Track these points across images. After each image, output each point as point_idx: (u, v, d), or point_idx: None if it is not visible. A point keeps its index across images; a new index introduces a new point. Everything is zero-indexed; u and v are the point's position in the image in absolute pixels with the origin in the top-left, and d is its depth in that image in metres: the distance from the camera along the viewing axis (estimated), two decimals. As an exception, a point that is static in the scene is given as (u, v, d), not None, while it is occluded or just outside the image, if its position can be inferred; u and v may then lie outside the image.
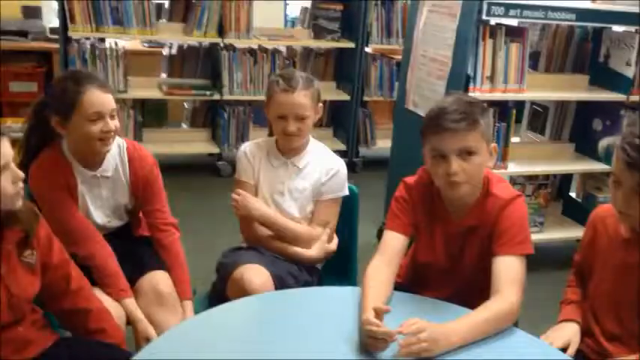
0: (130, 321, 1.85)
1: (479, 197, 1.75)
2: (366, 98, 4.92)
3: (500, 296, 1.59)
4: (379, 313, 1.46)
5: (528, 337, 1.59)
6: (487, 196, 1.75)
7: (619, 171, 1.54)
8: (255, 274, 1.89)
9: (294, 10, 5.77)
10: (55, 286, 1.63)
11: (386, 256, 1.74)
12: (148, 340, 1.81)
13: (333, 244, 2.15)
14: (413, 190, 1.81)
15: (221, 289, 1.97)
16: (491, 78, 3.05)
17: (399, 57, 4.11)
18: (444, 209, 1.78)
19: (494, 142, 1.78)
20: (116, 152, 1.98)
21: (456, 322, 1.49)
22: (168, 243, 2.04)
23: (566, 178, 3.94)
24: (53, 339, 1.62)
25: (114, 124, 1.86)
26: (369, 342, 1.43)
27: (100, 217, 2.00)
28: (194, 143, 4.75)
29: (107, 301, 1.79)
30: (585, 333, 1.73)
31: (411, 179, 1.84)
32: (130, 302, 1.87)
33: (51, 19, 5.16)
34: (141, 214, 2.11)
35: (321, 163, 2.14)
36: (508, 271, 1.64)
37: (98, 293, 1.80)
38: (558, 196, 3.90)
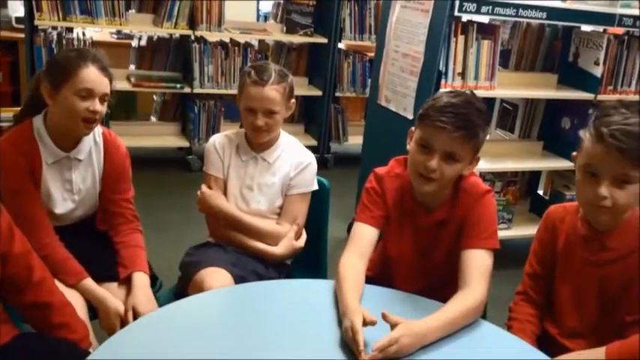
0: (93, 303, 1.79)
1: (450, 192, 1.75)
2: (338, 94, 4.91)
3: (469, 290, 1.59)
4: (366, 322, 1.42)
5: (495, 329, 1.59)
6: (458, 190, 1.75)
7: (600, 160, 1.49)
8: (215, 278, 1.84)
9: (266, 6, 5.73)
10: (17, 277, 1.58)
11: (357, 248, 1.72)
12: (120, 316, 1.77)
13: (301, 241, 2.12)
14: (383, 180, 1.80)
15: (183, 290, 1.93)
16: (463, 74, 3.06)
17: (372, 54, 4.11)
18: (414, 202, 1.77)
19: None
20: (91, 136, 1.94)
21: (428, 320, 1.47)
22: (133, 232, 2.00)
23: (534, 176, 3.99)
24: (12, 334, 1.56)
25: (101, 107, 1.83)
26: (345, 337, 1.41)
27: (64, 204, 1.94)
28: (163, 137, 4.68)
29: (68, 295, 1.73)
30: (541, 339, 1.71)
31: (381, 170, 1.83)
32: (89, 282, 1.82)
33: (17, 9, 5.02)
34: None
35: (291, 157, 2.11)
36: (476, 264, 1.64)
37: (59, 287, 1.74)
38: (527, 193, 3.95)
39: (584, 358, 1.37)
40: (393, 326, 1.41)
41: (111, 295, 1.82)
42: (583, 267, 1.66)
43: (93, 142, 1.96)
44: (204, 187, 2.07)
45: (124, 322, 1.77)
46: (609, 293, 1.63)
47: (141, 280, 1.89)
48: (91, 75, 1.80)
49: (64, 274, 1.81)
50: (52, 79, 1.83)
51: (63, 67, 1.81)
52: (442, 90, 2.85)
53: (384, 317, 1.43)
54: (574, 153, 1.61)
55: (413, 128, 1.73)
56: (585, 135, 1.54)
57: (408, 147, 1.73)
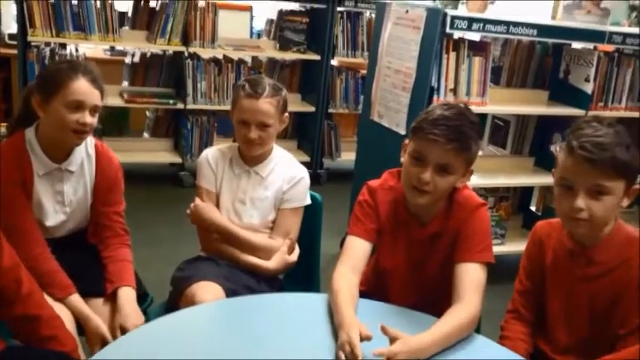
0: (78, 320, 1.77)
1: (443, 205, 1.75)
2: (331, 110, 4.92)
3: (463, 304, 1.58)
4: (362, 337, 1.41)
5: (490, 343, 1.59)
6: (452, 203, 1.75)
7: (573, 173, 1.52)
8: (207, 292, 1.82)
9: (260, 23, 5.76)
10: (5, 290, 1.56)
11: (350, 262, 1.71)
12: (102, 339, 1.74)
13: (294, 256, 2.11)
14: (377, 193, 1.80)
15: (174, 305, 1.91)
16: (455, 90, 3.08)
17: (365, 71, 4.13)
18: (408, 215, 1.77)
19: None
20: (83, 148, 1.94)
21: (425, 336, 1.46)
22: (121, 246, 1.98)
23: (526, 192, 4.00)
24: (1, 347, 1.54)
25: (91, 119, 1.83)
26: (341, 357, 1.39)
27: (55, 216, 1.93)
28: (156, 153, 4.67)
29: (57, 308, 1.71)
30: (533, 357, 1.71)
31: (375, 182, 1.83)
32: (76, 298, 1.80)
33: (10, 25, 5.03)
34: None
35: (284, 172, 2.10)
36: (470, 278, 1.63)
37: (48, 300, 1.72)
38: (519, 209, 3.96)
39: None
40: (392, 340, 1.40)
41: (94, 315, 1.79)
42: (571, 282, 1.66)
43: (85, 153, 1.95)
44: (197, 200, 2.06)
45: (105, 343, 1.73)
46: (599, 307, 1.63)
47: (126, 295, 1.86)
48: (82, 87, 1.80)
49: (53, 287, 1.79)
50: (42, 91, 1.83)
51: (53, 78, 1.82)
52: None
53: (384, 330, 1.42)
54: (553, 170, 1.64)
55: (407, 141, 1.74)
56: (559, 150, 1.58)
57: (402, 160, 1.73)
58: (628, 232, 1.62)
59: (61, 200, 1.93)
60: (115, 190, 2.00)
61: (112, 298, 1.87)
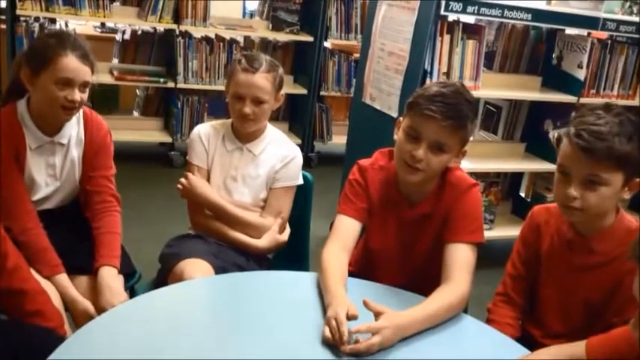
0: (64, 301, 1.75)
1: (435, 185, 1.74)
2: (323, 93, 4.90)
3: (453, 283, 1.58)
4: (348, 315, 1.40)
5: (477, 324, 1.59)
6: (444, 183, 1.74)
7: (570, 161, 1.50)
8: (196, 269, 1.81)
9: (252, 4, 5.71)
10: (-10, 264, 1.54)
11: (340, 241, 1.71)
12: (89, 317, 1.71)
13: (285, 235, 2.10)
14: (367, 172, 1.78)
15: (162, 282, 1.89)
16: (448, 74, 3.06)
17: (357, 55, 4.10)
18: (399, 195, 1.76)
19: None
20: (74, 120, 1.91)
21: (411, 313, 1.46)
22: (109, 213, 1.95)
23: (516, 178, 4.01)
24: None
25: (80, 95, 1.80)
26: (326, 332, 1.39)
27: (46, 188, 1.91)
28: (146, 132, 4.63)
29: (43, 283, 1.70)
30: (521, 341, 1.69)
31: (365, 162, 1.81)
32: (64, 278, 1.78)
33: (-2, -2, 4.95)
34: None
35: (277, 150, 2.09)
36: (460, 258, 1.63)
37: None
38: (509, 195, 3.97)
39: (564, 350, 1.37)
40: (376, 315, 1.40)
41: (80, 296, 1.77)
42: (569, 270, 1.65)
43: (76, 123, 1.93)
44: (190, 175, 2.03)
45: None
46: (596, 297, 1.62)
47: (107, 274, 1.81)
48: (71, 64, 1.77)
49: (41, 263, 1.77)
50: (31, 65, 1.80)
51: (42, 53, 1.78)
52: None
53: (366, 305, 1.42)
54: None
55: (401, 118, 1.72)
56: (555, 137, 1.56)
57: (395, 137, 1.71)
58: (630, 223, 1.60)
59: (52, 174, 1.91)
60: (104, 154, 1.97)
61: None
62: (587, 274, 1.62)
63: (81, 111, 1.94)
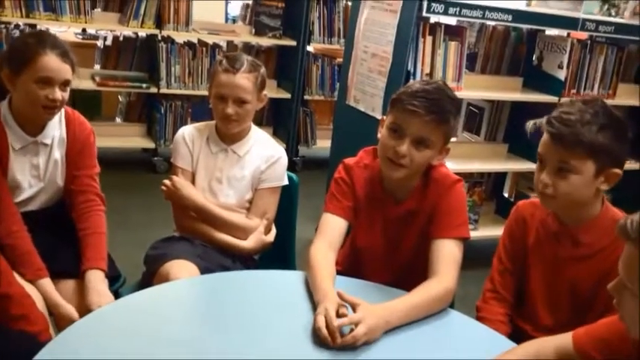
0: (48, 305, 1.73)
1: (419, 182, 1.75)
2: (307, 97, 4.90)
3: (438, 278, 1.59)
4: (337, 313, 1.40)
5: (463, 318, 1.59)
6: (428, 180, 1.75)
7: (544, 149, 1.54)
8: (182, 270, 1.80)
9: (235, 9, 5.71)
10: (-27, 269, 1.52)
11: (327, 238, 1.70)
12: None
13: (270, 236, 2.09)
14: (352, 170, 1.79)
15: (147, 284, 1.86)
16: (430, 75, 3.08)
17: (341, 59, 4.11)
18: (384, 193, 1.76)
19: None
20: (56, 119, 1.90)
21: (394, 303, 1.47)
22: (94, 213, 1.94)
23: (499, 178, 4.04)
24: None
25: (61, 94, 1.79)
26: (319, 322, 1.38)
27: (29, 190, 1.89)
28: (128, 138, 4.60)
29: (27, 288, 1.68)
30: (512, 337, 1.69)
31: (350, 160, 1.81)
32: (47, 283, 1.76)
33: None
34: None
35: (262, 151, 2.08)
36: (446, 253, 1.64)
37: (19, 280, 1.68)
38: (492, 195, 4.00)
39: (551, 342, 1.38)
40: (353, 307, 1.41)
41: (63, 301, 1.75)
42: (555, 263, 1.66)
43: (57, 121, 1.92)
44: (174, 177, 2.02)
45: None
46: (582, 289, 1.63)
47: (94, 277, 1.80)
48: (51, 63, 1.76)
49: (25, 267, 1.75)
50: (11, 65, 1.79)
51: (22, 53, 1.77)
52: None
53: (340, 296, 1.42)
54: None
55: (384, 117, 1.73)
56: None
57: (379, 135, 1.72)
58: (615, 215, 1.61)
59: (36, 174, 1.90)
60: (87, 153, 1.96)
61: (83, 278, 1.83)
62: (574, 265, 1.63)
63: (63, 111, 1.93)
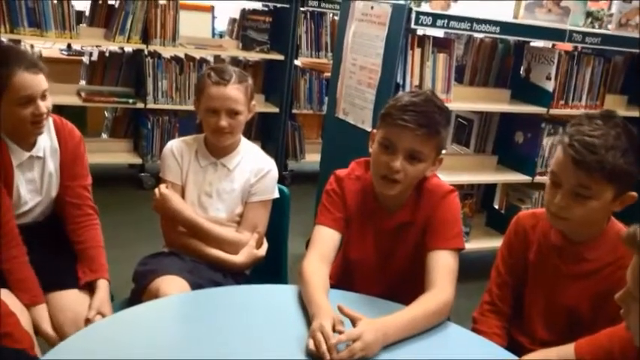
0: (37, 333, 1.71)
1: (412, 194, 1.73)
2: (295, 111, 4.89)
3: (436, 290, 1.56)
4: (333, 328, 1.37)
5: (462, 331, 1.57)
6: (421, 191, 1.73)
7: (561, 170, 1.47)
8: (172, 286, 1.77)
9: (221, 24, 5.70)
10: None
11: (319, 252, 1.68)
12: None
13: (262, 250, 2.06)
14: (344, 182, 1.77)
15: (136, 301, 1.83)
16: (420, 87, 3.08)
17: (329, 73, 4.11)
18: (376, 205, 1.74)
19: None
20: (45, 129, 1.88)
21: (393, 318, 1.44)
22: (92, 227, 1.94)
23: (490, 190, 4.04)
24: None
25: (45, 105, 1.77)
26: (310, 345, 1.35)
27: (31, 202, 1.89)
28: (115, 154, 4.54)
29: (14, 305, 1.64)
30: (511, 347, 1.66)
31: (342, 172, 1.80)
32: (42, 310, 1.74)
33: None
34: None
35: (252, 164, 2.06)
36: (442, 265, 1.61)
37: (4, 295, 1.64)
38: (483, 207, 3.99)
39: (554, 355, 1.35)
40: (353, 322, 1.38)
41: (53, 332, 1.74)
42: (557, 278, 1.62)
43: (47, 133, 1.90)
44: (163, 189, 1.98)
45: None
46: (582, 306, 1.59)
47: (105, 287, 1.86)
48: (24, 80, 1.72)
49: (23, 292, 1.74)
50: None
51: None
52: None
53: (341, 310, 1.39)
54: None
55: (375, 130, 1.71)
56: (558, 143, 1.53)
57: (370, 150, 1.70)
58: (620, 230, 1.55)
59: (33, 188, 1.89)
60: (79, 163, 1.96)
61: (85, 288, 1.84)
62: (578, 281, 1.59)
63: (50, 120, 1.90)
